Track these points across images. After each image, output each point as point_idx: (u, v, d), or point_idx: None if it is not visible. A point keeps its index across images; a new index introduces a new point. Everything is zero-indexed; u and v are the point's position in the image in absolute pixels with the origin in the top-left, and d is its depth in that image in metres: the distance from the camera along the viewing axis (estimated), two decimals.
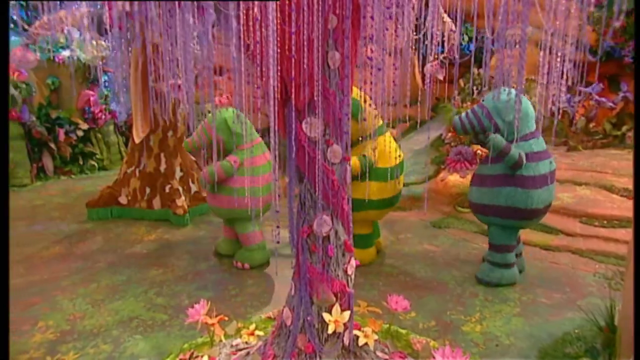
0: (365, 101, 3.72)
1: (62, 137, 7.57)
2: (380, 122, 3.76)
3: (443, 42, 3.29)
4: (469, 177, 4.03)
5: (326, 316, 1.68)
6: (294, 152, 1.62)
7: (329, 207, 1.64)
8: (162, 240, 4.71)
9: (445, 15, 2.97)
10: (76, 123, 7.92)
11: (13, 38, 7.84)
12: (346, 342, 1.79)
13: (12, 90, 6.90)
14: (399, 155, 3.88)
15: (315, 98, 1.48)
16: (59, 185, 7.19)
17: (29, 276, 3.74)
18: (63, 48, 7.57)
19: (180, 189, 5.37)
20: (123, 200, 5.41)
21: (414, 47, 2.10)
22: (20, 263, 4.00)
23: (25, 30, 6.11)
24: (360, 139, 3.71)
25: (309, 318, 1.69)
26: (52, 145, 7.44)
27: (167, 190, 5.34)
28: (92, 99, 8.02)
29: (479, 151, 4.87)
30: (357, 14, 1.55)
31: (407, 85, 2.36)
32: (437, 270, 3.88)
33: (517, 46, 1.55)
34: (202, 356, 2.25)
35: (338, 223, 1.69)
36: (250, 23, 1.45)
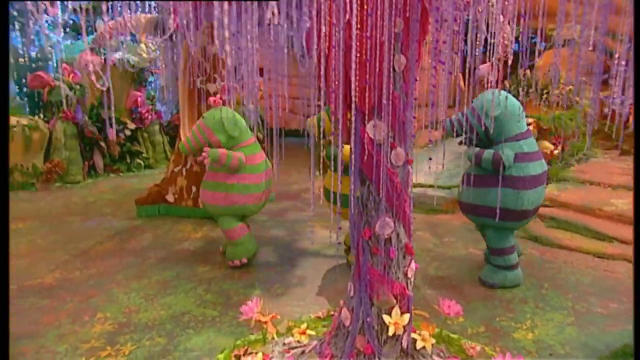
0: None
1: (112, 136, 7.87)
2: None
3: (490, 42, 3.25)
4: None
5: (386, 318, 1.69)
6: (357, 155, 1.63)
7: (391, 209, 1.65)
8: (207, 238, 4.83)
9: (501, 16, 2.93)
10: (124, 123, 8.22)
11: (71, 42, 8.23)
12: (404, 344, 1.79)
13: (67, 91, 7.24)
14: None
15: (384, 102, 1.48)
16: (109, 183, 7.48)
17: (86, 270, 3.91)
18: (113, 50, 7.86)
19: None
20: (170, 198, 5.58)
21: (457, 48, 2.08)
22: (77, 257, 4.19)
23: (90, 34, 6.43)
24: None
25: (368, 319, 1.70)
26: (103, 144, 7.75)
27: None
28: (139, 99, 8.31)
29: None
30: (424, 17, 1.56)
31: (451, 86, 2.34)
32: None
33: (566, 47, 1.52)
34: (255, 353, 2.30)
35: (400, 225, 1.69)
36: (321, 26, 1.47)
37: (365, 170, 1.63)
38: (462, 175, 3.73)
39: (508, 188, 3.31)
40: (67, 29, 8.50)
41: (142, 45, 8.36)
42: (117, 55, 8.00)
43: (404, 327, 1.70)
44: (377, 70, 1.45)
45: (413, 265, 1.78)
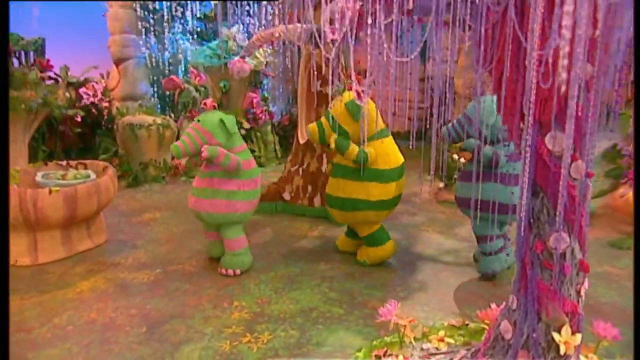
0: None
1: None
2: (383, 125, 4.08)
3: None
4: None
5: (556, 336, 1.63)
6: (531, 167, 1.59)
7: (567, 223, 1.58)
8: (324, 237, 4.98)
9: None
10: (240, 122, 8.73)
11: (196, 47, 8.94)
12: None
13: (193, 93, 7.89)
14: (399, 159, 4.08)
15: (569, 112, 1.43)
16: None
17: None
18: (235, 55, 8.41)
19: None
20: (287, 196, 5.83)
21: None
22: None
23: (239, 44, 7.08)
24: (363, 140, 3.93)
25: (534, 335, 1.65)
26: None
27: None
28: (255, 100, 8.79)
29: None
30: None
31: None
32: (625, 296, 3.50)
33: None
34: (396, 355, 2.33)
35: (575, 241, 1.62)
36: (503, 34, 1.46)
37: (540, 182, 1.59)
38: (459, 172, 4.10)
39: (500, 184, 3.66)
40: (195, 36, 9.24)
41: (260, 49, 8.84)
42: (237, 59, 8.54)
43: (574, 347, 1.62)
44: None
45: (586, 283, 1.69)
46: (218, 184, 3.71)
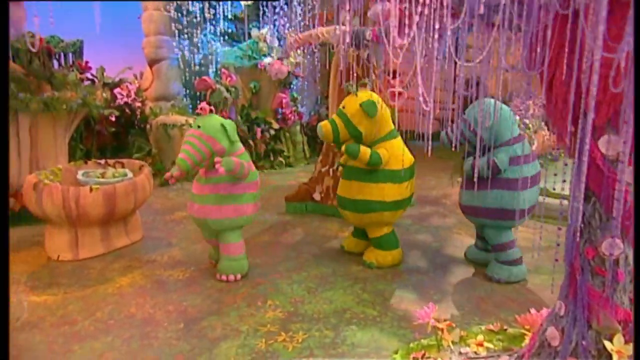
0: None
1: (258, 135, 8.52)
2: (392, 126, 4.07)
3: None
4: None
5: (608, 345, 1.59)
6: (583, 170, 1.56)
7: (621, 229, 1.55)
8: None
9: None
10: (270, 123, 8.83)
11: (227, 48, 9.06)
12: None
13: (224, 93, 8.01)
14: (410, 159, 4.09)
15: (625, 116, 1.40)
16: None
17: (251, 259, 4.25)
18: (265, 56, 8.50)
19: None
20: (317, 196, 5.86)
21: None
22: None
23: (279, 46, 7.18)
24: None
25: (584, 343, 1.62)
26: (251, 143, 8.42)
27: None
28: (284, 101, 8.85)
29: None
30: None
31: None
32: None
33: None
34: (434, 358, 2.32)
35: (629, 247, 1.58)
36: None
37: (592, 187, 1.56)
38: (461, 179, 4.09)
39: (505, 190, 3.62)
40: (225, 37, 9.37)
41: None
42: (267, 60, 8.65)
43: (627, 356, 1.58)
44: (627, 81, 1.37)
45: None
46: (224, 189, 3.58)
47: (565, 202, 1.60)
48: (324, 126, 3.98)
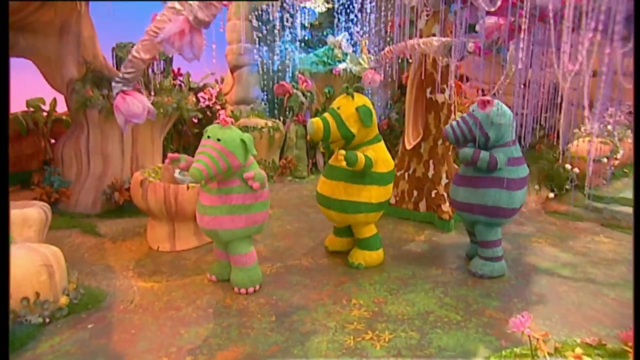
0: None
1: None
2: (377, 130, 4.16)
3: None
4: None
5: None
6: None
7: None
8: (431, 242, 5.01)
9: None
10: None
11: (304, 54, 9.33)
12: None
13: (301, 97, 8.28)
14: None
15: None
16: None
17: (331, 258, 4.44)
18: (340, 62, 8.68)
19: (445, 194, 5.60)
20: (392, 200, 5.93)
21: None
22: (320, 245, 4.76)
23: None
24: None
25: None
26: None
27: (433, 195, 5.64)
28: None
29: None
30: None
31: None
32: None
33: None
34: None
35: None
36: None
37: None
38: (455, 176, 4.25)
39: (503, 189, 3.80)
40: (302, 44, 9.67)
41: (363, 56, 9.03)
42: (342, 65, 8.82)
43: None
44: None
45: None
46: (237, 199, 3.50)
47: None
48: (316, 123, 3.88)
